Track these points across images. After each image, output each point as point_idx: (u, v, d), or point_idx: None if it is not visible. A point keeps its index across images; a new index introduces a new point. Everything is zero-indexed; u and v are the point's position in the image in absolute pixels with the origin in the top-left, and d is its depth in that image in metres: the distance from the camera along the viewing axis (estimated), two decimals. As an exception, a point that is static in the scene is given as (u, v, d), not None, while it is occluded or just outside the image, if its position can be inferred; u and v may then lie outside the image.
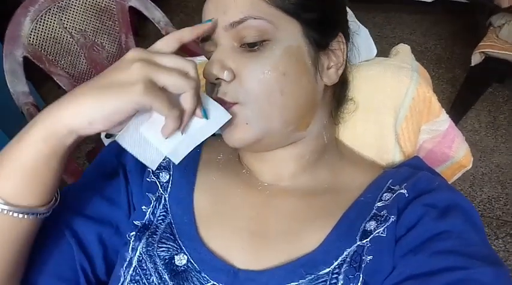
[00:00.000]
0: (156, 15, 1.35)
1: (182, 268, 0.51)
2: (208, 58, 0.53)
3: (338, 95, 0.61)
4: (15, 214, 0.43)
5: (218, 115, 0.49)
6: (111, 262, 0.55)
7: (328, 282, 0.47)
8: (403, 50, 0.72)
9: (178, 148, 0.48)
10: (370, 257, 0.48)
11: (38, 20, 1.18)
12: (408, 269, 0.46)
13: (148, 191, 0.58)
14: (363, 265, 0.48)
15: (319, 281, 0.48)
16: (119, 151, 0.60)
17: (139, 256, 0.52)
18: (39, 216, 0.45)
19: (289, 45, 0.51)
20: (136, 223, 0.56)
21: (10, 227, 0.43)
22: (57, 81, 1.24)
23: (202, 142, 0.49)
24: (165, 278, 0.50)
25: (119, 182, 0.58)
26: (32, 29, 1.17)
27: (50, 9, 1.20)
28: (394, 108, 0.65)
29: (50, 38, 1.21)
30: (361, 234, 0.50)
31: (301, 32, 0.52)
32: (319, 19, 0.52)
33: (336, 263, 0.48)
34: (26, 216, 0.43)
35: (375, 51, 0.69)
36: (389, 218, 0.50)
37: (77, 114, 0.42)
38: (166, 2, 2.54)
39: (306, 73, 0.52)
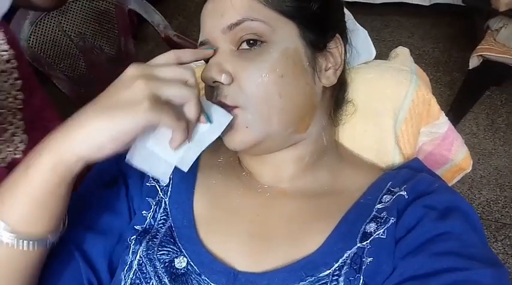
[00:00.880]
0: (155, 18, 1.35)
1: (182, 271, 0.51)
2: (207, 62, 0.53)
3: (337, 97, 0.61)
4: (25, 247, 0.42)
5: (220, 117, 0.49)
6: (115, 271, 0.55)
7: (328, 284, 0.47)
8: (402, 53, 0.72)
9: (186, 156, 0.48)
10: (370, 259, 0.48)
11: (37, 23, 1.18)
12: (408, 270, 0.46)
13: (148, 196, 0.58)
14: (363, 267, 0.48)
15: (320, 283, 0.48)
16: (118, 158, 0.60)
17: (139, 260, 0.52)
18: (48, 246, 0.45)
19: (286, 47, 0.51)
20: (137, 227, 0.56)
21: (19, 257, 0.43)
22: (57, 84, 1.23)
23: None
24: (164, 281, 0.50)
25: (119, 189, 0.58)
26: (31, 32, 1.17)
27: (49, 12, 1.20)
28: (394, 110, 0.66)
29: (49, 41, 1.22)
30: (361, 236, 0.50)
31: (298, 34, 0.52)
32: (316, 20, 0.53)
33: (336, 265, 0.48)
34: (35, 247, 0.43)
35: (374, 52, 0.70)
36: (389, 219, 0.51)
37: (85, 141, 0.41)
38: (165, 5, 2.54)
39: (304, 75, 0.53)
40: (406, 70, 0.67)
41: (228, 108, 0.51)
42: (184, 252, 0.52)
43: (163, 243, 0.53)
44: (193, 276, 0.50)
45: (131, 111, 0.41)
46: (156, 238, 0.54)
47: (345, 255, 0.49)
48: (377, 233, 0.50)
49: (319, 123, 0.58)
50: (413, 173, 0.56)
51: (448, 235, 0.47)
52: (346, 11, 0.62)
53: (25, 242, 0.42)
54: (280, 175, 0.58)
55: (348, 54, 0.61)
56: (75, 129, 0.42)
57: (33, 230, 0.43)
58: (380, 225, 0.50)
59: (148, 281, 0.50)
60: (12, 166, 0.63)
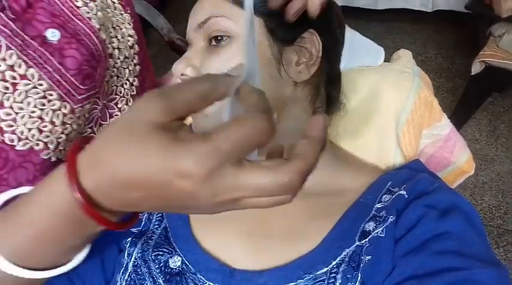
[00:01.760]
0: (159, 22, 1.36)
1: (176, 270, 0.51)
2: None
3: (329, 95, 0.60)
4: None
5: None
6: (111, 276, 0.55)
7: (326, 282, 0.47)
8: (405, 55, 0.72)
9: None
10: (368, 257, 0.48)
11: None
12: (409, 269, 0.45)
13: None
14: (361, 265, 0.47)
15: (317, 280, 0.48)
16: None
17: (134, 261, 0.52)
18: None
19: None
20: (133, 230, 0.56)
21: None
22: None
23: None
24: (159, 282, 0.50)
25: None
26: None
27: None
28: (396, 112, 0.66)
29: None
30: (360, 234, 0.50)
31: (264, 27, 0.52)
32: (280, 15, 0.51)
33: (334, 263, 0.48)
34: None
35: (383, 54, 0.70)
36: (388, 218, 0.50)
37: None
38: (169, 9, 2.56)
39: (267, 68, 0.52)
40: (408, 72, 0.67)
41: None
42: (178, 251, 0.52)
43: (158, 244, 0.53)
44: (187, 275, 0.50)
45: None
46: (152, 239, 0.54)
47: (344, 253, 0.49)
48: (376, 231, 0.50)
49: (294, 118, 0.56)
50: (413, 174, 0.56)
51: (448, 234, 0.47)
52: None
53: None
54: None
55: (347, 55, 0.60)
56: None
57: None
58: (379, 224, 0.50)
59: (143, 282, 0.50)
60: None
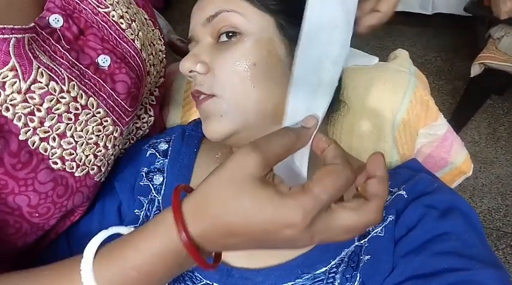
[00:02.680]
0: (159, 22, 1.36)
1: None
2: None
3: None
4: None
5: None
6: None
7: (324, 282, 0.47)
8: (401, 55, 0.73)
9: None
10: (368, 257, 0.48)
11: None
12: (409, 270, 0.46)
13: (140, 195, 0.58)
14: (360, 264, 0.48)
15: (316, 280, 0.48)
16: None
17: None
18: None
19: (261, 37, 0.50)
20: (131, 227, 0.56)
21: None
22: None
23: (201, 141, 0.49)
24: None
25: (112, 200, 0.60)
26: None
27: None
28: (392, 111, 0.66)
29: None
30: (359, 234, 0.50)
31: (274, 25, 0.52)
32: (291, 12, 0.52)
33: (333, 263, 0.48)
34: None
35: (376, 60, 0.69)
36: (387, 218, 0.51)
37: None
38: (170, 12, 2.57)
39: (280, 66, 0.52)
40: (404, 72, 0.67)
41: (204, 96, 0.51)
42: None
43: None
44: (185, 272, 0.50)
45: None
46: None
47: (343, 253, 0.49)
48: (375, 231, 0.50)
49: None
50: (413, 174, 0.56)
51: (449, 235, 0.47)
52: None
53: None
54: None
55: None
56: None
57: None
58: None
59: None
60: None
